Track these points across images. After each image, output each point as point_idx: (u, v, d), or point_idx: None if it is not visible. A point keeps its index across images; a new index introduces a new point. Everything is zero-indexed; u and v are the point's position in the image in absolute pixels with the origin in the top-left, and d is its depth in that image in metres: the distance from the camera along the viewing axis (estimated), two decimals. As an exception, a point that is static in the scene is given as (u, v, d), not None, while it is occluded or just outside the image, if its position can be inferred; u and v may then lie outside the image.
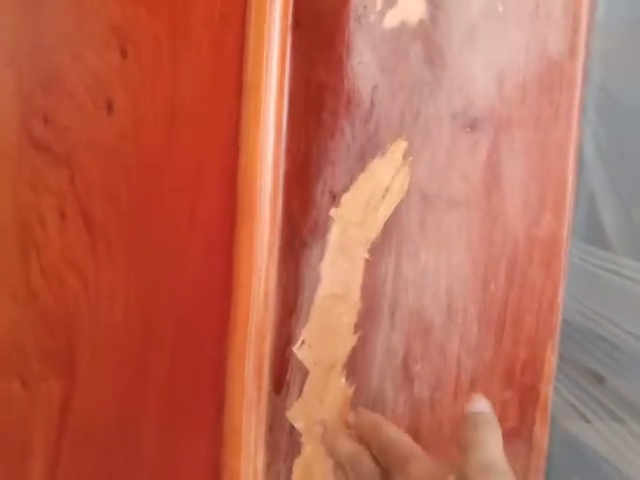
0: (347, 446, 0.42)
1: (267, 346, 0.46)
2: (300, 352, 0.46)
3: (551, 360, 0.40)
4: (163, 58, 0.47)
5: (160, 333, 0.50)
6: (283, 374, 0.46)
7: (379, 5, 0.42)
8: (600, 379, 1.35)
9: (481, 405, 0.35)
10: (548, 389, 0.40)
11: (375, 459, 0.40)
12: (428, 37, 0.41)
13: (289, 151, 0.44)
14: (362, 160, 0.43)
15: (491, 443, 0.34)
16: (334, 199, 0.44)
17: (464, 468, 0.33)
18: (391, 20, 0.41)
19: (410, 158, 0.42)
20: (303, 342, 0.46)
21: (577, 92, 0.38)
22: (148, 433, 0.50)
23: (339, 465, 0.43)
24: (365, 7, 0.42)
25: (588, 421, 1.26)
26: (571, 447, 1.33)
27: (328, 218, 0.44)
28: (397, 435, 0.39)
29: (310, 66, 0.44)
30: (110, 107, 0.49)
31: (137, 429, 0.50)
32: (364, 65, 0.42)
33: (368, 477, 0.40)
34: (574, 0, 0.39)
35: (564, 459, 1.40)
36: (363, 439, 0.42)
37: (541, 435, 0.41)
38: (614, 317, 1.32)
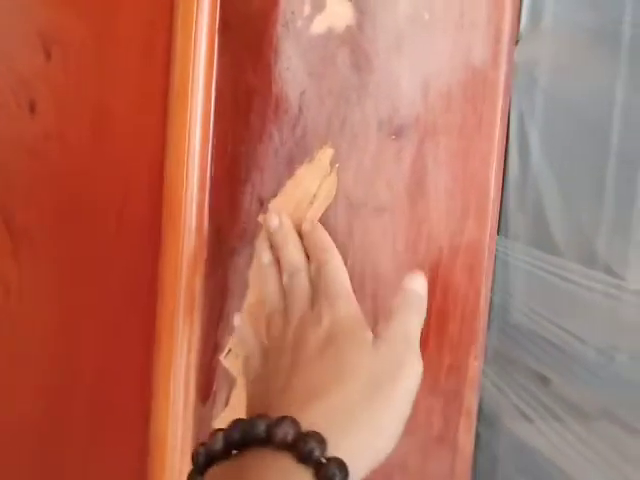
0: (295, 255, 0.41)
1: (193, 356, 0.45)
2: (227, 361, 0.45)
3: (474, 366, 0.40)
4: (89, 61, 0.46)
5: (85, 341, 0.48)
6: (210, 384, 0.45)
7: (307, 11, 0.41)
8: (545, 381, 1.39)
9: (417, 284, 0.37)
10: (472, 395, 0.40)
11: (311, 278, 0.40)
12: (355, 43, 0.41)
13: (216, 156, 0.44)
14: (290, 166, 0.43)
15: (414, 319, 0.36)
16: (262, 205, 0.44)
17: (383, 332, 0.35)
18: (318, 26, 0.41)
19: (337, 165, 0.42)
20: (230, 351, 0.45)
21: (499, 101, 0.39)
22: (75, 444, 0.49)
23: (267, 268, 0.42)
24: (293, 12, 0.42)
25: (531, 421, 1.29)
26: (516, 449, 1.36)
27: (256, 224, 0.44)
28: (341, 269, 0.39)
29: (238, 70, 0.43)
30: (33, 107, 0.47)
31: (64, 441, 0.49)
32: (292, 70, 0.42)
33: (299, 292, 0.39)
34: (497, 10, 0.39)
35: (509, 461, 1.42)
36: (308, 253, 0.41)
37: (466, 440, 0.41)
38: (560, 320, 1.35)
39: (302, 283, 0.40)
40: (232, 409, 0.45)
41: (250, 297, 0.44)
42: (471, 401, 0.41)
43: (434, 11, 0.39)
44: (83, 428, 0.49)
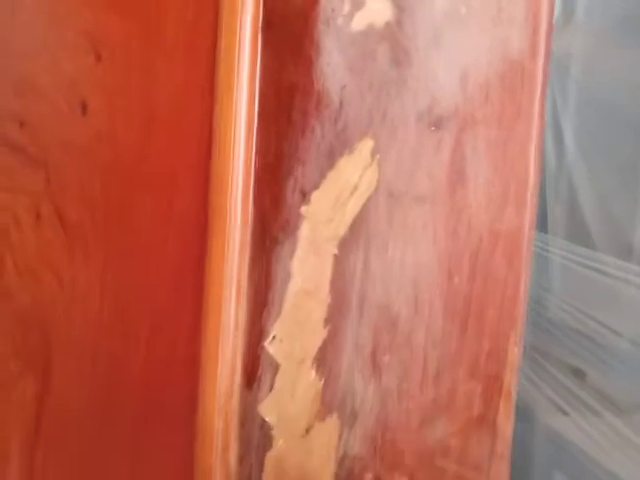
0: None
1: (239, 342, 0.47)
2: (271, 347, 0.47)
3: (514, 351, 0.41)
4: (136, 61, 0.48)
5: (135, 331, 0.50)
6: (255, 369, 0.47)
7: (347, 8, 0.43)
8: (580, 375, 1.38)
9: None
10: (512, 379, 0.41)
11: None
12: (394, 39, 0.42)
13: (260, 150, 0.45)
14: (331, 158, 0.44)
15: None
16: (304, 197, 0.45)
17: None
18: (358, 23, 0.43)
19: (377, 156, 0.43)
20: (274, 337, 0.47)
21: (538, 91, 0.40)
22: (123, 430, 0.51)
23: None
24: (333, 10, 0.43)
25: (567, 415, 1.28)
26: (553, 442, 1.36)
27: (299, 216, 0.45)
28: None
29: (280, 67, 0.45)
30: (84, 108, 0.49)
31: (113, 426, 0.51)
32: (333, 66, 0.43)
33: None
34: (535, 2, 0.40)
35: (546, 454, 1.42)
36: None
37: (505, 423, 0.42)
38: (595, 313, 1.35)
39: None
40: (275, 394, 0.47)
41: (292, 286, 0.46)
42: (511, 385, 0.42)
43: (471, 6, 0.40)
44: (133, 415, 0.51)
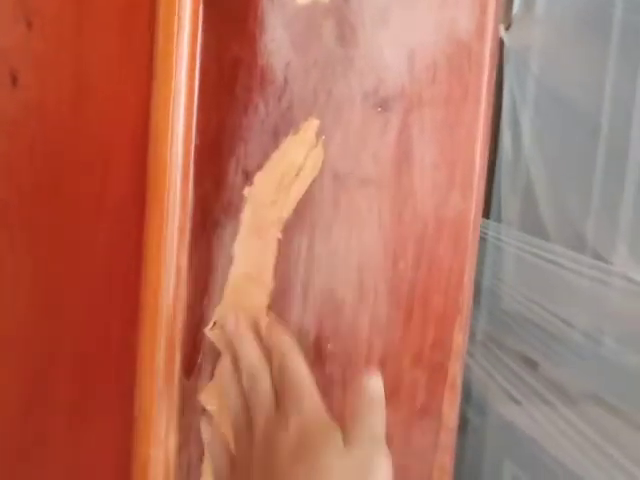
0: (253, 356, 0.41)
1: (178, 328, 0.45)
2: (212, 334, 0.45)
3: (459, 339, 0.41)
4: (69, 30, 0.45)
5: (68, 315, 0.48)
6: (194, 357, 0.45)
7: (292, -20, 0.41)
8: (533, 365, 1.40)
9: (376, 383, 0.37)
10: (456, 367, 0.40)
11: (273, 380, 0.40)
12: (341, 14, 0.40)
13: (201, 128, 0.43)
14: (275, 138, 0.42)
15: (379, 420, 0.37)
16: (247, 178, 0.43)
17: (352, 435, 0.36)
18: (304, -4, 0.41)
19: (323, 137, 0.41)
20: (215, 324, 0.45)
21: (485, 72, 0.39)
22: (57, 420, 0.48)
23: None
24: (278, -18, 0.41)
25: (519, 404, 1.30)
26: (504, 432, 1.38)
27: (241, 197, 0.44)
28: (303, 369, 0.39)
29: (223, 41, 0.43)
30: (15, 79, 0.46)
31: (46, 413, 0.48)
32: (277, 41, 0.41)
33: (260, 395, 0.40)
34: (482, -19, 0.39)
35: (498, 443, 1.44)
36: (268, 353, 0.41)
37: (450, 413, 0.41)
38: (548, 304, 1.37)
39: (263, 386, 0.40)
40: (216, 382, 0.45)
41: (234, 270, 0.44)
42: (455, 374, 0.41)
43: (420, -19, 0.39)
44: (65, 406, 0.49)
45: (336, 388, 0.42)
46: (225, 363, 0.43)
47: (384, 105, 0.40)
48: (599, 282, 1.22)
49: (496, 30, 0.40)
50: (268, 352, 0.42)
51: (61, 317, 0.47)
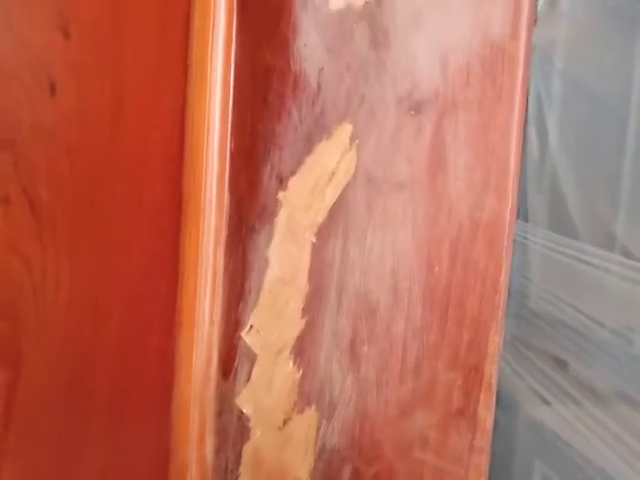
0: None
1: (215, 332, 0.46)
2: (248, 337, 0.45)
3: (495, 341, 0.41)
4: (107, 40, 0.46)
5: (105, 319, 0.49)
6: (231, 360, 0.46)
7: (325, -14, 0.41)
8: (563, 365, 1.38)
9: None
10: (492, 369, 0.41)
11: None
12: (373, 19, 0.41)
13: (235, 134, 0.44)
14: (309, 143, 0.43)
15: None
16: (281, 183, 0.44)
17: None
18: (337, 2, 0.41)
19: (356, 141, 0.42)
20: (251, 327, 0.45)
21: (519, 73, 0.39)
22: (96, 418, 0.50)
23: None
24: (311, -12, 0.42)
25: (549, 405, 1.29)
26: (534, 432, 1.36)
27: (276, 202, 0.44)
28: None
29: (256, 48, 0.43)
30: (53, 88, 0.48)
31: (85, 414, 0.50)
32: (310, 47, 0.42)
33: None
34: (516, -16, 0.39)
35: (528, 444, 1.43)
36: None
37: (485, 415, 0.41)
38: (578, 304, 1.35)
39: None
40: (253, 385, 0.46)
41: (269, 274, 0.44)
42: (491, 376, 0.41)
43: (453, -15, 0.39)
44: (105, 404, 0.50)
45: (370, 390, 0.42)
46: None
47: (418, 108, 0.40)
48: (628, 280, 1.20)
49: (530, 31, 0.40)
50: None
51: (100, 320, 0.48)
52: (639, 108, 1.40)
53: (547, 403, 1.26)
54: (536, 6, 0.38)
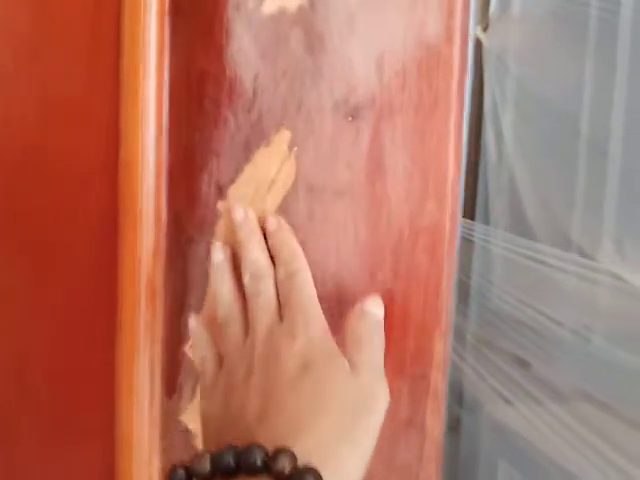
0: (260, 255, 0.39)
1: (157, 348, 0.44)
2: (192, 352, 0.44)
3: (440, 349, 0.40)
4: (35, 44, 0.45)
5: (44, 338, 0.47)
6: (175, 376, 0.44)
7: (258, -9, 0.40)
8: (524, 365, 1.40)
9: (378, 308, 0.36)
10: (439, 377, 0.40)
11: (278, 287, 0.38)
12: (307, 24, 0.40)
13: (172, 143, 0.43)
14: (247, 151, 0.42)
15: (379, 347, 0.36)
16: (221, 192, 0.43)
17: (356, 360, 0.35)
18: (270, 6, 0.40)
19: (295, 148, 0.41)
20: (193, 342, 0.44)
21: (455, 77, 0.38)
22: (31, 444, 0.47)
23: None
24: (244, -7, 0.41)
25: (511, 404, 1.30)
26: (497, 432, 1.37)
27: (215, 212, 0.43)
28: (311, 283, 0.37)
29: (190, 53, 0.42)
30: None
31: (18, 439, 0.47)
32: (244, 52, 0.41)
33: (265, 299, 0.38)
34: (449, -14, 0.39)
35: (491, 444, 1.43)
36: (273, 255, 0.39)
37: (434, 424, 0.40)
38: (537, 304, 1.36)
39: (269, 289, 0.38)
40: (198, 402, 0.44)
41: (205, 308, 0.43)
42: (438, 383, 0.40)
43: (386, -12, 0.39)
44: (43, 428, 0.48)
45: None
46: (219, 260, 0.40)
47: (355, 114, 0.39)
48: (586, 280, 1.22)
49: (465, 33, 0.40)
50: (273, 254, 0.39)
51: (36, 336, 0.46)
52: (590, 111, 1.42)
53: (509, 403, 1.27)
54: (470, 9, 0.38)
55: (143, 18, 0.41)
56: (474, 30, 1.63)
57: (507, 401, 1.27)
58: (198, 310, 0.44)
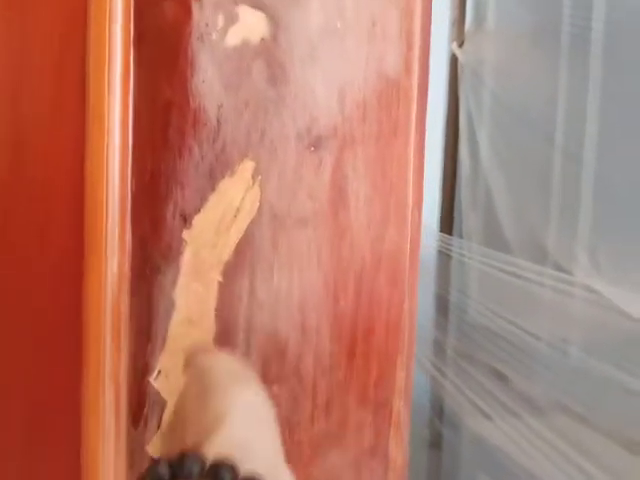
0: None
1: (122, 379, 0.44)
2: (157, 382, 0.44)
3: (402, 375, 0.40)
4: (2, 81, 0.45)
5: (7, 369, 0.46)
6: (141, 407, 0.44)
7: (220, 22, 0.41)
8: (503, 378, 1.41)
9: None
10: (401, 405, 0.40)
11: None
12: (270, 55, 0.40)
13: (137, 173, 0.43)
14: (212, 180, 0.42)
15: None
16: (186, 221, 0.43)
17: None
18: (233, 38, 0.41)
19: (259, 177, 0.41)
20: (159, 372, 0.44)
21: (414, 107, 0.39)
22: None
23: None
24: (207, 24, 0.41)
25: (490, 419, 1.31)
26: (477, 446, 1.38)
27: (181, 241, 0.43)
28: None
29: (155, 84, 0.42)
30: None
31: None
32: (208, 83, 0.41)
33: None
34: (407, 18, 0.39)
35: (471, 458, 1.44)
36: None
37: (396, 453, 0.41)
38: (514, 317, 1.37)
39: None
40: (164, 432, 0.44)
41: (176, 316, 0.43)
42: (400, 412, 0.40)
43: (346, 20, 0.39)
44: (11, 458, 0.47)
45: (283, 431, 0.41)
46: None
47: (317, 144, 0.40)
48: (562, 293, 1.23)
49: (425, 65, 0.40)
50: None
51: (0, 366, 0.46)
52: (565, 124, 1.45)
53: (488, 417, 1.27)
54: (429, 42, 0.39)
55: (108, 49, 0.41)
56: (449, 46, 1.65)
57: (486, 415, 1.28)
58: (162, 339, 0.44)
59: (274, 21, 0.40)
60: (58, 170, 0.45)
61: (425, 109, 0.40)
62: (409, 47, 0.39)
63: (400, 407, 0.40)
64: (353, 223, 0.40)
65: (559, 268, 1.25)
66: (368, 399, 0.38)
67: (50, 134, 0.44)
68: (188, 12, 0.41)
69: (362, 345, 0.39)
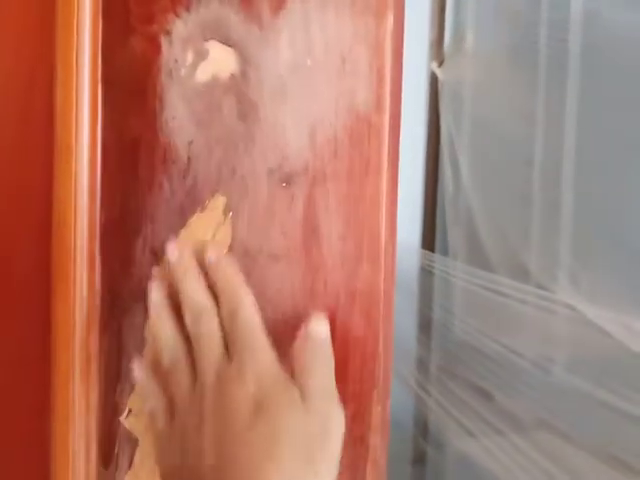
0: (199, 292, 0.37)
1: (92, 418, 0.43)
2: (128, 422, 0.43)
3: (378, 411, 0.40)
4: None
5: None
6: (112, 446, 0.43)
7: (190, 58, 0.41)
8: (488, 397, 1.41)
9: (323, 328, 0.36)
10: (378, 442, 0.40)
11: (222, 323, 0.37)
12: (240, 91, 0.40)
13: (105, 209, 0.42)
14: (182, 216, 0.41)
15: (328, 370, 0.36)
16: (156, 257, 0.42)
17: (306, 389, 0.35)
18: (203, 74, 0.40)
19: (230, 213, 0.41)
20: (130, 411, 0.43)
21: (385, 144, 0.39)
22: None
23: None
24: (176, 60, 0.41)
25: (475, 437, 1.30)
26: (462, 466, 1.37)
27: (150, 277, 0.42)
28: (256, 315, 0.36)
29: (124, 120, 0.42)
30: None
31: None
32: (178, 119, 0.41)
33: (208, 339, 0.37)
34: (377, 55, 0.39)
35: (454, 475, 1.43)
36: (215, 291, 0.37)
37: (375, 489, 0.40)
38: (497, 335, 1.38)
39: (212, 327, 0.37)
40: (136, 471, 0.43)
41: (148, 355, 0.42)
42: (377, 449, 0.40)
43: (316, 57, 0.39)
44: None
45: None
46: (158, 300, 0.39)
47: (289, 180, 0.40)
48: (543, 311, 1.24)
49: (397, 101, 0.40)
50: (214, 290, 0.37)
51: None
52: (543, 143, 1.46)
53: (472, 435, 1.27)
54: (401, 79, 0.39)
55: (76, 84, 0.41)
56: (429, 66, 1.66)
57: (470, 433, 1.28)
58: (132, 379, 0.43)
59: (243, 57, 0.40)
60: (24, 208, 0.44)
61: (398, 145, 0.40)
62: (380, 84, 0.39)
63: (377, 443, 0.39)
64: (326, 260, 0.39)
65: (540, 286, 1.26)
66: (344, 436, 0.38)
67: (17, 171, 0.44)
68: (157, 48, 0.41)
69: (338, 382, 0.39)
